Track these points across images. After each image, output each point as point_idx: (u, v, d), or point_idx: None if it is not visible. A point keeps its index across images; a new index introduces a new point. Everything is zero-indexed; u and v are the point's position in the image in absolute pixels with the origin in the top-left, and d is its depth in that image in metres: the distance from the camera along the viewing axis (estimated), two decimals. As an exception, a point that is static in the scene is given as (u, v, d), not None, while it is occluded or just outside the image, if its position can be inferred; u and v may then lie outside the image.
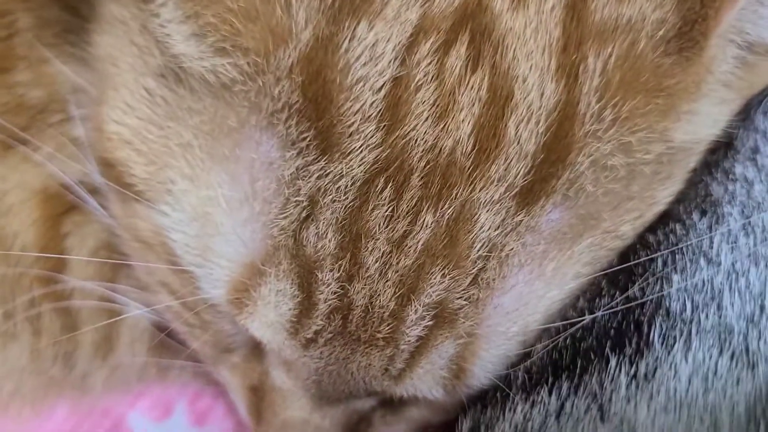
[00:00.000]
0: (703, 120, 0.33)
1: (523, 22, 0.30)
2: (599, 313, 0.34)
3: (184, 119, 0.32)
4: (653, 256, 0.34)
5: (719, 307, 0.32)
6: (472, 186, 0.30)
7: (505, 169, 0.30)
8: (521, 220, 0.31)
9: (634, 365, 0.32)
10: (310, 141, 0.30)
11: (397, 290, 0.31)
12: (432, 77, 0.30)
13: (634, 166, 0.32)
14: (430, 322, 0.32)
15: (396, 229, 0.30)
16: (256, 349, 0.37)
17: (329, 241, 0.30)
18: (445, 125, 0.30)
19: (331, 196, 0.30)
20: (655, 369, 0.32)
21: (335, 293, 0.31)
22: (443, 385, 0.34)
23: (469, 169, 0.30)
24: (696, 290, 0.33)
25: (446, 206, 0.30)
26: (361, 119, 0.29)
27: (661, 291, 0.33)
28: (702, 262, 0.34)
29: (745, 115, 0.36)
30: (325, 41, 0.29)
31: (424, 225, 0.30)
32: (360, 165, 0.30)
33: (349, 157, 0.30)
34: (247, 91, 0.30)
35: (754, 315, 0.32)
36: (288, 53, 0.29)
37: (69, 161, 0.38)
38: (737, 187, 0.35)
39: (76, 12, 0.37)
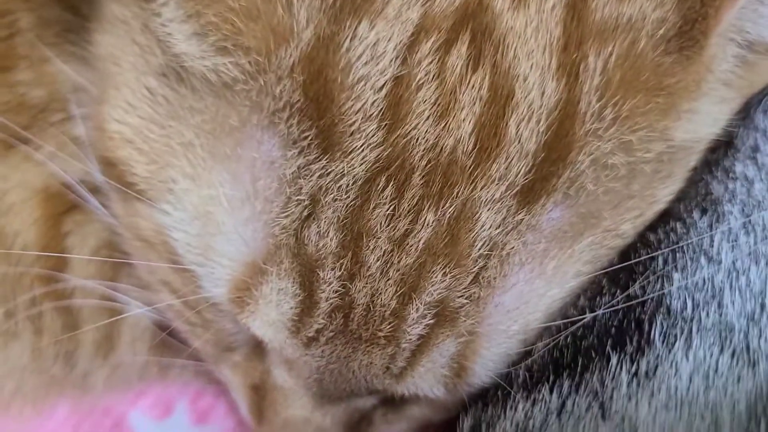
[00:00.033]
0: (704, 119, 0.33)
1: (523, 21, 0.30)
2: (600, 312, 0.34)
3: (186, 118, 0.32)
4: (654, 254, 0.34)
5: (720, 305, 0.32)
6: (473, 185, 0.30)
7: (506, 168, 0.30)
8: (522, 219, 0.31)
9: (635, 363, 0.32)
10: (311, 140, 0.30)
11: (398, 289, 0.31)
12: (433, 76, 0.30)
13: (635, 165, 0.32)
14: (432, 321, 0.32)
15: (397, 228, 0.31)
16: (258, 348, 0.37)
17: (331, 239, 0.31)
18: (446, 124, 0.30)
19: (332, 195, 0.30)
20: (656, 367, 0.32)
21: (337, 292, 0.31)
22: (444, 384, 0.34)
23: (470, 167, 0.30)
24: (697, 288, 0.33)
25: (447, 205, 0.30)
26: (362, 118, 0.29)
27: (662, 289, 0.33)
28: (702, 260, 0.34)
29: (745, 113, 0.36)
30: (327, 40, 0.29)
31: (426, 224, 0.31)
32: (361, 164, 0.30)
33: (350, 156, 0.30)
34: (249, 90, 0.30)
35: (754, 313, 0.32)
36: (289, 52, 0.29)
37: (70, 160, 0.38)
38: (737, 186, 0.35)
39: (77, 11, 0.37)
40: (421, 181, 0.30)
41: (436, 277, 0.31)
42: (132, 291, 0.40)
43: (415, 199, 0.30)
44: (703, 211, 0.35)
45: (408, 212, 0.30)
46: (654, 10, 0.30)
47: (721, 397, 0.30)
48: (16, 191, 0.40)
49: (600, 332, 0.34)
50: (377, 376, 0.33)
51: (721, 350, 0.31)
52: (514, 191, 0.31)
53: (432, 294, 0.31)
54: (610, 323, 0.34)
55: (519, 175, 0.30)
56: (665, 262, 0.34)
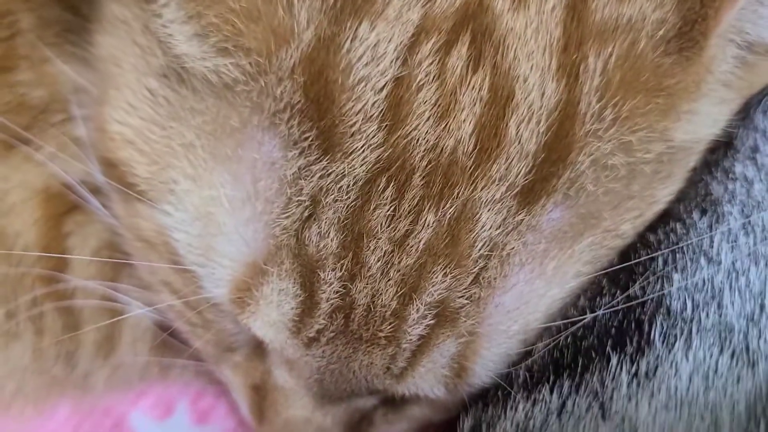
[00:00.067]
0: (703, 119, 0.33)
1: (523, 22, 0.30)
2: (600, 312, 0.34)
3: (187, 119, 0.32)
4: (654, 255, 0.34)
5: (719, 305, 0.33)
6: (474, 185, 0.30)
7: (506, 169, 0.30)
8: (522, 219, 0.31)
9: (635, 364, 0.32)
10: (312, 141, 0.30)
11: (398, 289, 0.31)
12: (433, 77, 0.30)
13: (635, 166, 0.32)
14: (432, 321, 0.32)
15: (398, 229, 0.31)
16: (259, 348, 0.37)
17: (331, 240, 0.31)
18: (446, 125, 0.30)
19: (333, 196, 0.30)
20: (656, 367, 0.32)
21: (337, 292, 0.31)
22: (445, 384, 0.34)
23: (470, 168, 0.30)
24: (696, 289, 0.33)
25: (448, 205, 0.30)
26: (362, 119, 0.30)
27: (662, 290, 0.34)
28: (702, 261, 0.34)
29: (745, 114, 0.36)
30: (327, 41, 0.29)
31: (426, 224, 0.31)
32: (362, 165, 0.30)
33: (351, 157, 0.30)
34: (249, 91, 0.30)
35: (754, 314, 0.32)
36: (290, 53, 0.29)
37: (71, 161, 0.38)
38: (737, 186, 0.35)
39: (78, 12, 0.37)
40: (422, 182, 0.30)
41: (436, 278, 0.31)
42: (133, 291, 0.40)
43: (416, 200, 0.30)
44: (703, 212, 0.35)
45: (408, 213, 0.31)
46: (654, 11, 0.30)
47: (720, 397, 0.30)
48: (16, 192, 0.40)
49: (600, 333, 0.34)
50: (378, 376, 0.33)
51: (721, 351, 0.31)
52: (515, 192, 0.31)
53: (432, 294, 0.31)
54: (610, 324, 0.34)
55: (519, 176, 0.30)
56: (665, 262, 0.34)
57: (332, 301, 0.31)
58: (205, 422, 0.46)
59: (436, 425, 0.40)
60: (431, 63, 0.30)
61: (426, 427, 0.40)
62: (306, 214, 0.31)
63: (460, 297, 0.32)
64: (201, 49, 0.31)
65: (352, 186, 0.30)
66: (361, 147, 0.30)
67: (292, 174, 0.30)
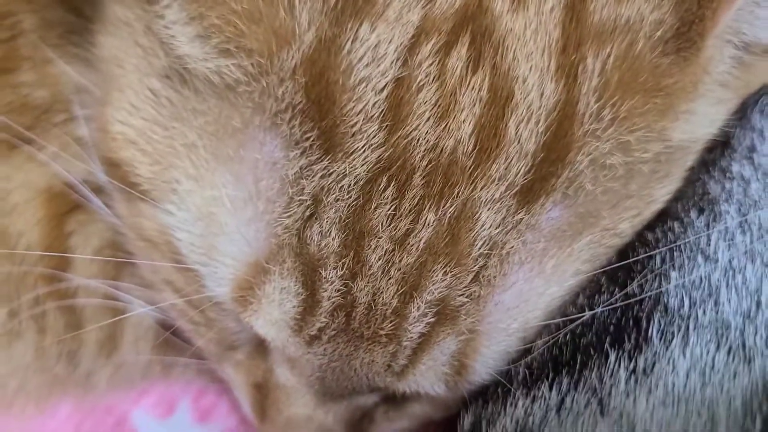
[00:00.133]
0: (701, 119, 0.33)
1: (522, 23, 0.30)
2: (599, 310, 0.34)
3: (189, 120, 0.32)
4: (652, 253, 0.35)
5: (716, 303, 0.33)
6: (473, 185, 0.31)
7: (506, 168, 0.31)
8: (522, 219, 0.31)
9: (633, 360, 0.32)
10: (313, 141, 0.30)
11: (399, 288, 0.31)
12: (433, 78, 0.30)
13: (633, 165, 0.32)
14: (432, 319, 0.32)
15: (398, 228, 0.31)
16: (260, 347, 0.37)
17: (333, 239, 0.31)
18: (446, 125, 0.30)
19: (334, 195, 0.30)
20: (654, 364, 0.32)
21: (339, 291, 0.31)
22: (445, 381, 0.34)
23: (470, 168, 0.30)
24: (694, 287, 0.33)
25: (448, 205, 0.31)
26: (363, 119, 0.30)
27: (660, 287, 0.34)
28: (699, 259, 0.34)
29: (742, 114, 0.37)
30: (328, 43, 0.29)
31: (426, 223, 0.31)
32: (363, 164, 0.30)
33: (352, 157, 0.30)
34: (251, 91, 0.30)
35: (750, 311, 0.32)
36: (291, 54, 0.29)
37: (73, 160, 0.39)
38: (734, 186, 0.35)
39: (80, 13, 0.37)
40: (422, 182, 0.30)
41: (436, 276, 0.31)
42: (135, 290, 0.40)
43: (416, 199, 0.31)
44: (701, 211, 0.35)
45: (409, 212, 0.31)
46: (652, 12, 0.31)
47: (717, 393, 0.30)
48: (19, 191, 0.40)
49: (599, 330, 0.34)
50: (379, 373, 0.33)
51: (718, 347, 0.32)
52: (514, 191, 0.31)
53: (433, 292, 0.32)
54: (609, 321, 0.34)
55: (518, 175, 0.31)
56: (663, 260, 0.35)
57: (333, 299, 0.32)
58: (206, 420, 0.46)
59: (436, 422, 0.40)
60: (431, 64, 0.30)
61: (426, 424, 0.40)
62: (307, 213, 0.31)
63: (460, 295, 0.32)
64: (203, 50, 0.31)
65: (353, 185, 0.30)
66: (362, 147, 0.30)
67: (294, 174, 0.31)
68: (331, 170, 0.30)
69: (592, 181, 0.32)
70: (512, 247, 0.32)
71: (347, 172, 0.30)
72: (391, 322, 0.32)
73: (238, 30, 0.30)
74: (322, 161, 0.30)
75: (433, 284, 0.31)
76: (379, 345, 0.32)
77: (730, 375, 0.31)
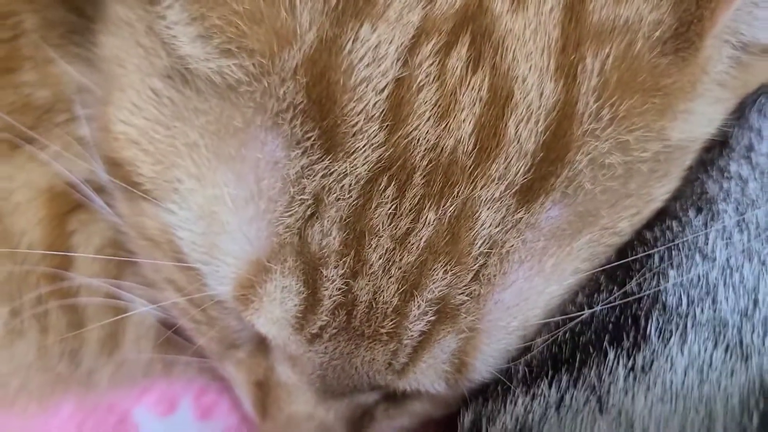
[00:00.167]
0: (699, 119, 0.34)
1: (522, 23, 0.30)
2: (598, 308, 0.34)
3: (191, 119, 0.32)
4: (650, 252, 0.35)
5: (714, 301, 0.33)
6: (474, 184, 0.31)
7: (506, 168, 0.31)
8: (521, 218, 0.32)
9: (632, 358, 0.33)
10: (314, 140, 0.30)
11: (400, 286, 0.32)
12: (434, 78, 0.30)
13: (632, 164, 0.32)
14: (433, 318, 0.32)
15: (399, 227, 0.31)
16: (262, 345, 0.37)
17: (334, 238, 0.31)
18: (446, 125, 0.30)
19: (335, 195, 0.31)
20: (652, 362, 0.32)
21: (340, 289, 0.32)
22: (445, 379, 0.34)
23: (470, 167, 0.31)
24: (691, 285, 0.34)
25: (448, 204, 0.31)
26: (364, 119, 0.30)
27: (658, 286, 0.34)
28: (697, 257, 0.34)
29: (740, 113, 0.37)
30: (329, 43, 0.30)
31: (427, 222, 0.31)
32: (363, 164, 0.30)
33: (353, 156, 0.30)
34: (253, 91, 0.31)
35: (747, 309, 0.33)
36: (292, 55, 0.30)
37: (75, 160, 0.39)
38: (732, 185, 0.36)
39: (82, 13, 0.38)
40: (422, 181, 0.31)
41: (437, 275, 0.31)
42: (137, 289, 0.40)
43: (417, 199, 0.31)
44: (699, 210, 0.35)
45: (409, 211, 0.31)
46: (650, 12, 0.31)
47: (714, 390, 0.31)
48: (21, 191, 0.40)
49: (597, 328, 0.34)
50: (379, 372, 0.34)
51: (715, 345, 0.32)
52: (514, 190, 0.31)
53: (433, 291, 0.32)
54: (608, 319, 0.34)
55: (518, 175, 0.31)
56: (661, 259, 0.35)
57: (335, 298, 0.32)
58: (208, 418, 0.46)
59: (436, 420, 0.40)
60: (431, 64, 0.30)
61: (427, 422, 0.40)
62: (309, 212, 0.31)
63: (460, 294, 0.32)
64: (205, 51, 0.31)
65: (354, 185, 0.30)
66: (363, 146, 0.30)
67: (295, 173, 0.31)
68: (332, 170, 0.30)
69: (591, 181, 0.32)
70: (512, 245, 0.32)
71: (348, 171, 0.30)
72: (391, 320, 0.32)
73: (240, 30, 0.30)
74: (323, 161, 0.30)
75: (434, 283, 0.32)
76: (379, 343, 0.33)
77: (727, 372, 0.31)
